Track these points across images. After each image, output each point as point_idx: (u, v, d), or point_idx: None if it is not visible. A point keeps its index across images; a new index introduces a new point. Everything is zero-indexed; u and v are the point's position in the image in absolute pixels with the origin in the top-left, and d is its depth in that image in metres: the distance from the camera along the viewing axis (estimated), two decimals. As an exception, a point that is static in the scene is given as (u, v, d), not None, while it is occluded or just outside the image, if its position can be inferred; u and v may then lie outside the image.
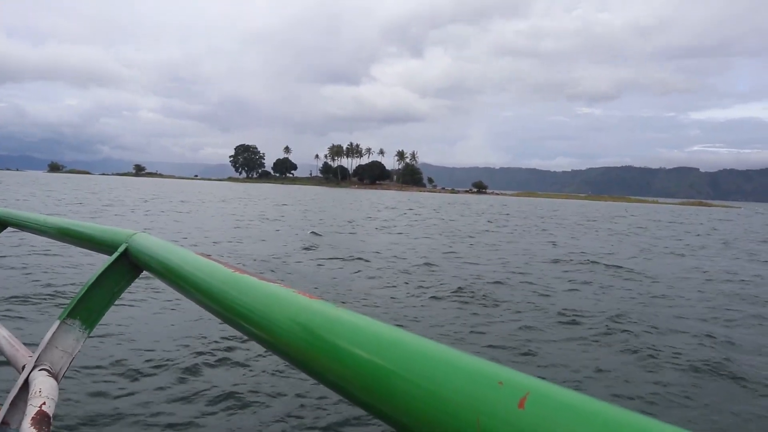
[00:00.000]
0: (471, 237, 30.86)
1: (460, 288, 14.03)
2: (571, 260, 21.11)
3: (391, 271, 16.46)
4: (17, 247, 15.50)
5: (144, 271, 1.76)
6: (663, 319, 11.89)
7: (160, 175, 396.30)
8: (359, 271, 16.37)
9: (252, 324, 0.92)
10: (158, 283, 1.74)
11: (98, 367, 7.08)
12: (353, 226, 34.53)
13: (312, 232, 28.10)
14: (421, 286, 14.21)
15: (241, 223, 32.43)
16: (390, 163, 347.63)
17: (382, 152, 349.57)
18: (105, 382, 6.64)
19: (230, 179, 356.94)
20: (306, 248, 21.26)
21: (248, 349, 8.13)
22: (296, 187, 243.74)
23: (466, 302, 12.58)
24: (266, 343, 0.89)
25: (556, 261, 20.89)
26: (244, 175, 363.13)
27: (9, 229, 3.35)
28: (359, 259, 18.85)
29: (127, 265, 1.75)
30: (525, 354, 9.03)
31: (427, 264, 18.37)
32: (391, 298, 12.76)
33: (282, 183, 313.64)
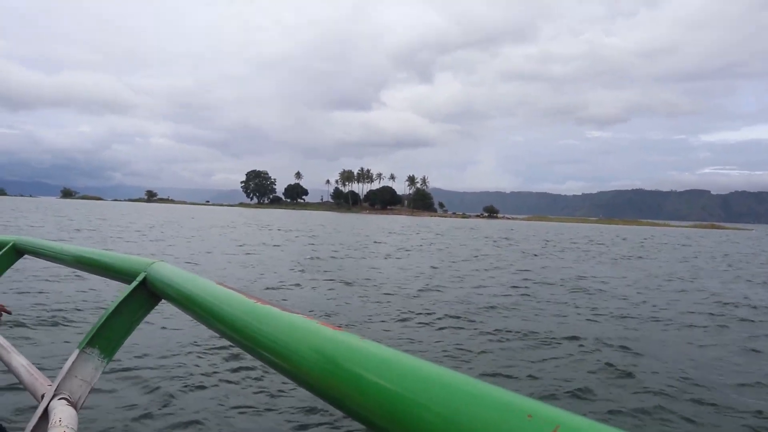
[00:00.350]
0: (476, 259, 30.78)
1: (462, 312, 14.00)
2: (570, 284, 21.02)
3: (396, 296, 16.42)
4: (34, 275, 15.57)
5: (162, 300, 1.77)
6: (654, 343, 11.82)
7: (172, 201, 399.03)
8: (364, 296, 16.34)
9: (275, 354, 0.93)
10: (175, 309, 1.75)
11: (116, 394, 7.07)
12: (360, 251, 34.51)
13: (311, 257, 28.06)
14: (427, 310, 14.16)
15: (247, 248, 32.50)
16: (401, 188, 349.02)
17: (392, 177, 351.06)
18: (124, 410, 6.62)
19: (241, 205, 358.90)
20: (309, 274, 21.25)
21: (268, 378, 8.09)
22: (307, 212, 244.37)
23: (467, 326, 12.53)
24: (289, 373, 0.90)
25: (553, 284, 20.81)
26: (255, 200, 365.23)
27: (26, 256, 3.40)
28: (364, 284, 18.83)
29: (146, 293, 1.77)
30: (508, 376, 8.97)
31: (432, 288, 18.32)
32: (397, 321, 12.72)
33: (293, 208, 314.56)
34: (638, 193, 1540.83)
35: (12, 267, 3.43)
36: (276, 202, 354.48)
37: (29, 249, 3.26)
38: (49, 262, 3.13)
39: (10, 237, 3.44)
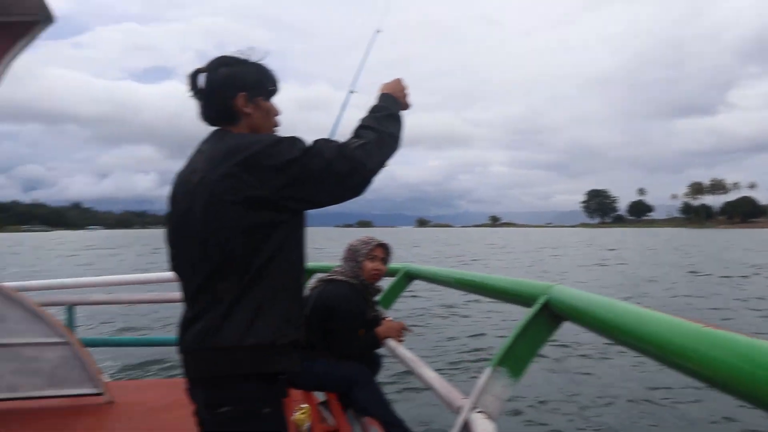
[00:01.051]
0: None
1: None
2: None
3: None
4: (424, 298, 16.96)
5: (564, 322, 1.81)
6: None
7: (514, 225, 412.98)
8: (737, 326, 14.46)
9: (737, 383, 0.86)
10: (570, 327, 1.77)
11: (524, 412, 7.16)
12: (729, 273, 30.61)
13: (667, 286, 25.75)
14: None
15: (584, 269, 31.45)
16: (765, 197, 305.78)
17: (752, 186, 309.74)
18: (536, 428, 6.75)
19: (582, 225, 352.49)
20: (661, 298, 19.63)
21: (711, 405, 7.26)
22: (652, 229, 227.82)
23: None
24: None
25: None
26: (597, 220, 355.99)
27: (415, 282, 3.83)
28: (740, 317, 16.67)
29: (548, 316, 1.82)
30: None
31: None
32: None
33: (637, 226, 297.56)
34: None
35: (404, 290, 3.90)
36: (619, 221, 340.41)
37: (418, 274, 3.67)
38: (434, 285, 3.49)
39: (402, 265, 3.92)
